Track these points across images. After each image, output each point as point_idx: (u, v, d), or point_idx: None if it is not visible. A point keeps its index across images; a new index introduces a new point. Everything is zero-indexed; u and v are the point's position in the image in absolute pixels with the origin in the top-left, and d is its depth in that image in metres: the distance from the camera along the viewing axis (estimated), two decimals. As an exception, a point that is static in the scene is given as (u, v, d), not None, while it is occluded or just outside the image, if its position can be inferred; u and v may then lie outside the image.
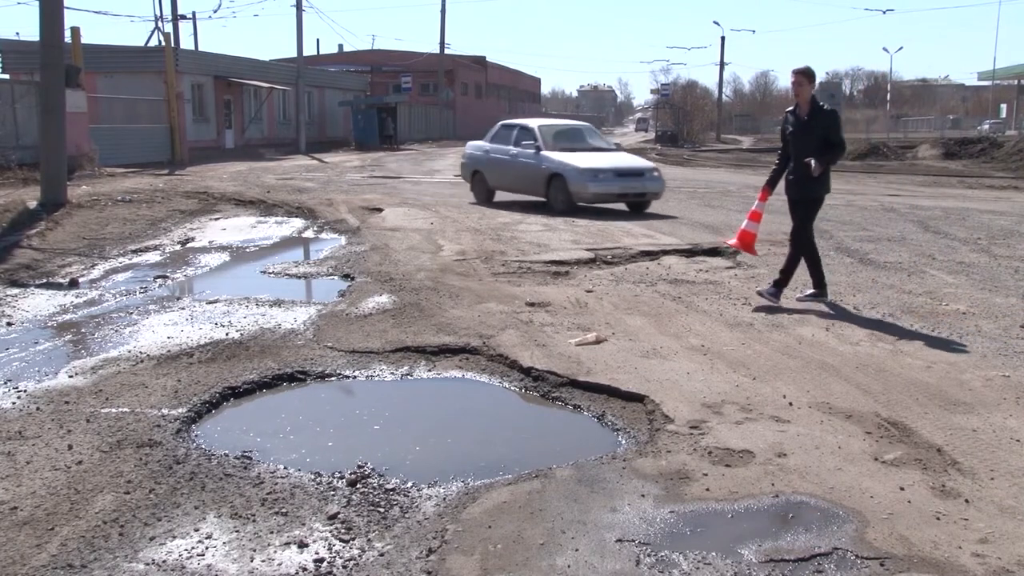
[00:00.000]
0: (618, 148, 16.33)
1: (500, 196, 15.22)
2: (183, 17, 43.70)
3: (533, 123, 15.27)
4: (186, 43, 42.40)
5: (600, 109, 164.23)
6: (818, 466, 3.77)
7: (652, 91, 78.16)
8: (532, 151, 14.20)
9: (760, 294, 7.08)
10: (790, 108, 7.14)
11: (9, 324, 6.41)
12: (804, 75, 6.85)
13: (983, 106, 77.02)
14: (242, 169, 23.90)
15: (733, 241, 7.82)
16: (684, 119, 56.87)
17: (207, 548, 3.07)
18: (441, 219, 12.60)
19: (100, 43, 30.27)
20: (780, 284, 7.05)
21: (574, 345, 5.67)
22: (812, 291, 7.12)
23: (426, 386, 5.14)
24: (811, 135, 6.79)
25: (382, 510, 3.39)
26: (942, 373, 5.09)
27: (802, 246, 7.07)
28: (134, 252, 10.07)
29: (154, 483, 3.59)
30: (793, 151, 6.95)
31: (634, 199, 13.87)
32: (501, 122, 16.40)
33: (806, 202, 7.00)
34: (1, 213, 11.62)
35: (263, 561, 2.98)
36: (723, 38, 64.42)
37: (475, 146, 16.18)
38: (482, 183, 15.43)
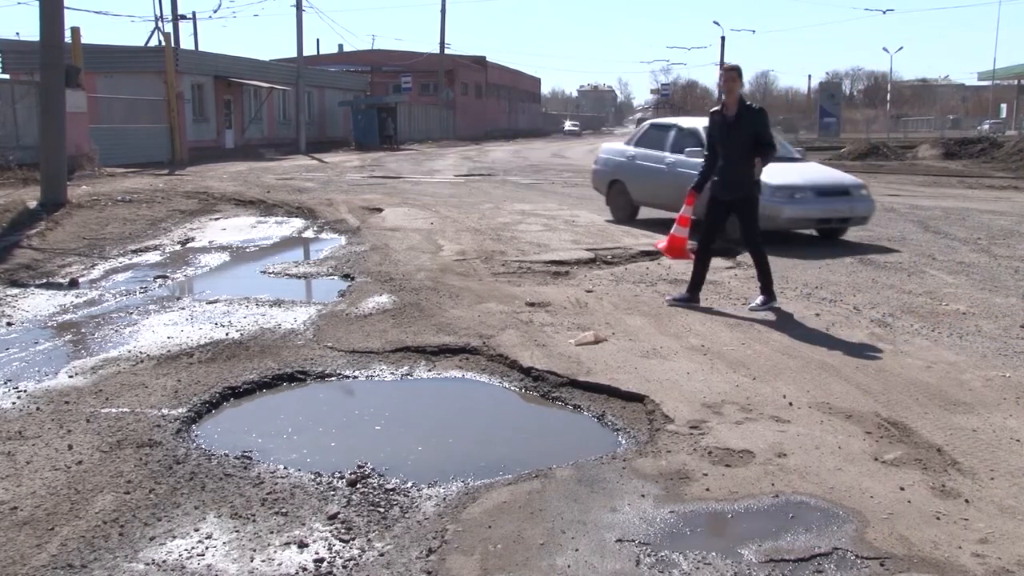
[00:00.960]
0: (804, 157, 12.39)
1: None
2: (183, 17, 43.75)
3: (696, 123, 11.59)
4: (186, 43, 42.46)
5: (600, 109, 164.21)
6: (818, 466, 3.77)
7: (652, 91, 78.24)
8: (698, 160, 10.12)
9: (754, 309, 6.75)
10: (715, 108, 7.00)
11: (9, 324, 6.41)
12: (738, 72, 6.76)
13: (983, 106, 77.04)
14: (242, 169, 23.90)
15: (663, 245, 7.50)
16: (684, 119, 56.78)
17: (207, 548, 3.07)
18: (441, 219, 12.60)
19: (100, 43, 30.26)
20: (766, 291, 6.86)
21: (574, 345, 5.67)
22: (687, 293, 6.97)
23: (426, 386, 5.14)
24: (740, 134, 6.67)
25: (382, 510, 3.39)
26: (942, 373, 5.09)
27: (759, 246, 6.86)
28: (134, 252, 10.07)
29: (154, 483, 3.59)
30: (722, 152, 6.82)
31: (837, 225, 10.75)
32: (649, 122, 13.77)
33: (748, 202, 6.83)
34: (1, 213, 11.62)
35: (263, 561, 2.98)
36: (723, 38, 64.34)
37: (614, 150, 13.41)
38: (623, 196, 12.67)
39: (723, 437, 4.09)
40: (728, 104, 6.80)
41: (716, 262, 9.04)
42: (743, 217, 6.89)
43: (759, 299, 6.88)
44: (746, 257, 9.15)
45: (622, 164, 12.80)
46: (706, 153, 7.12)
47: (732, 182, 6.77)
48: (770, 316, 6.58)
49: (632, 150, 12.70)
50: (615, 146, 13.80)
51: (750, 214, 6.87)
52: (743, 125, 6.69)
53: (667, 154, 11.72)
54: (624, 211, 12.72)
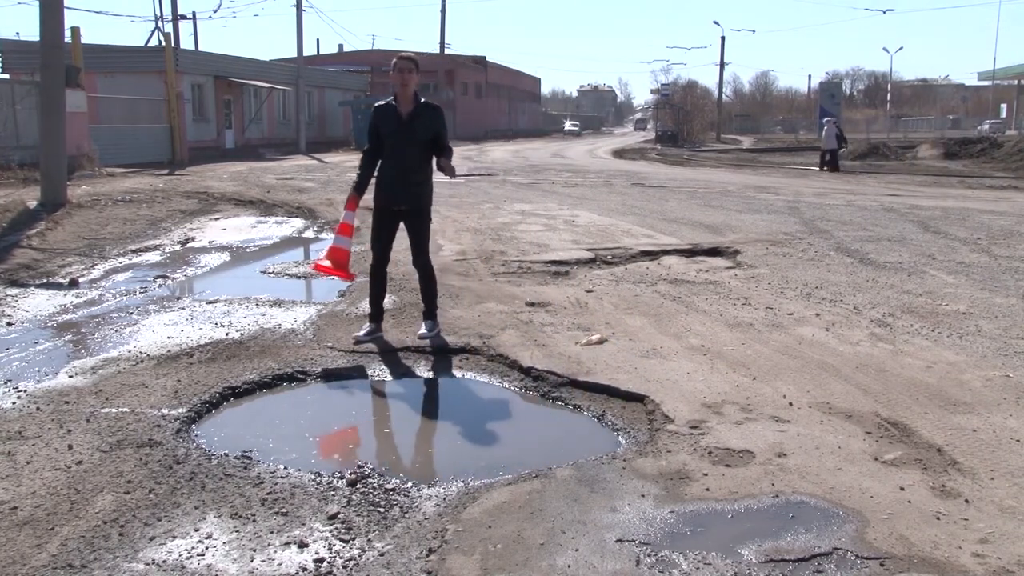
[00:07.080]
0: None
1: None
2: (183, 17, 43.81)
3: None
4: (186, 43, 42.50)
5: (600, 109, 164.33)
6: (818, 466, 3.76)
7: (652, 91, 78.26)
8: None
9: (423, 337, 5.86)
10: (383, 102, 5.90)
11: (9, 324, 6.41)
12: (414, 64, 5.78)
13: (983, 106, 77.07)
14: (242, 169, 23.90)
15: (325, 264, 6.16)
16: (684, 119, 56.91)
17: (207, 548, 3.07)
18: (441, 219, 12.59)
19: (100, 43, 30.29)
20: (431, 315, 6.08)
21: (580, 347, 5.67)
22: (370, 326, 5.96)
23: (426, 386, 5.14)
24: (416, 136, 5.77)
25: (382, 510, 3.39)
26: (942, 373, 5.09)
27: (428, 266, 6.12)
28: (134, 252, 10.07)
29: (154, 483, 3.59)
30: (393, 154, 5.82)
31: None
32: None
33: (420, 215, 6.01)
34: (1, 213, 11.63)
35: (263, 561, 2.98)
36: (723, 38, 64.54)
37: None
38: None
39: (723, 437, 4.09)
40: (402, 101, 5.76)
41: (716, 261, 9.04)
42: (413, 231, 6.01)
43: (425, 325, 6.01)
44: (746, 257, 9.17)
45: None
46: (365, 148, 6.02)
47: (403, 191, 5.88)
48: (770, 316, 6.57)
49: None
50: None
51: (421, 228, 6.03)
52: (420, 126, 5.75)
53: None
54: None
